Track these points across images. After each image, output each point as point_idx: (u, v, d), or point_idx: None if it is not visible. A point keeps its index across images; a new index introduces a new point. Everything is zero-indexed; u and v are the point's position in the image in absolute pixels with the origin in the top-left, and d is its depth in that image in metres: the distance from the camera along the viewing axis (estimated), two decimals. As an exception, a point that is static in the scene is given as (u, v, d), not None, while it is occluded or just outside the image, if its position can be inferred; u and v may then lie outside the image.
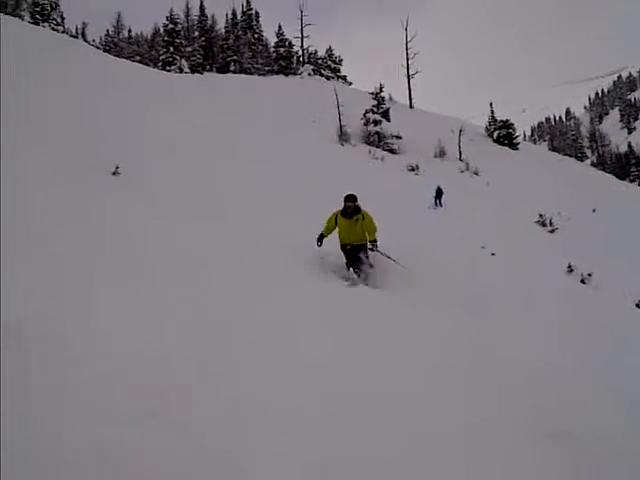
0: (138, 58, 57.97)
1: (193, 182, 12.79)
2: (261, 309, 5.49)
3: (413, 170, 34.66)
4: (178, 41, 57.46)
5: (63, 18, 55.37)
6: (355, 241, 10.11)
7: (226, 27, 69.08)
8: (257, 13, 67.64)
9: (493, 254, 17.33)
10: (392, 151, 39.98)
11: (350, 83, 66.11)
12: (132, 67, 37.47)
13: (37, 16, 51.54)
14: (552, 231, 25.73)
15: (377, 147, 39.58)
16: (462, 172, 37.66)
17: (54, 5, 53.63)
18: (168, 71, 50.72)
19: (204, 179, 13.73)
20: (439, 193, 27.09)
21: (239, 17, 67.64)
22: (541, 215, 26.64)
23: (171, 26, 58.02)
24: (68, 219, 6.26)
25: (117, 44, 66.80)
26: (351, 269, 10.11)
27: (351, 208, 9.93)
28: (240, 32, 64.33)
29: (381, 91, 45.24)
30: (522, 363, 5.73)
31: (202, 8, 68.40)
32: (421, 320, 6.97)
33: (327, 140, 35.58)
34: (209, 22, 69.43)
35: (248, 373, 3.89)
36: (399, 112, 47.41)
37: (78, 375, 3.08)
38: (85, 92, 17.94)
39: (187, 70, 55.26)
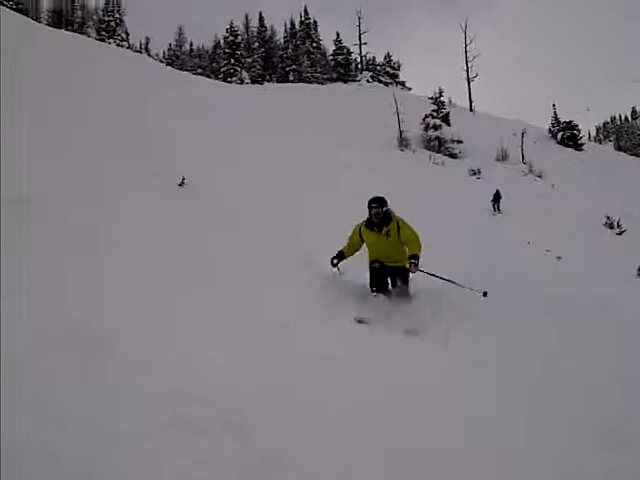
0: (200, 70, 59.22)
1: (254, 191, 13.07)
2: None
3: (475, 174, 34.29)
4: (239, 52, 58.53)
5: (127, 34, 57.20)
6: (391, 261, 7.24)
7: (285, 37, 69.85)
8: (315, 22, 68.09)
9: (559, 258, 17.02)
10: (453, 155, 39.71)
11: (409, 88, 65.89)
12: (195, 79, 38.38)
13: (103, 33, 53.43)
14: (620, 233, 25.01)
15: (437, 152, 39.36)
16: (525, 175, 37.01)
17: (119, 22, 55.47)
18: (229, 82, 51.68)
19: (263, 186, 13.98)
20: (497, 197, 26.58)
21: (297, 27, 68.22)
22: (608, 217, 25.95)
23: (231, 38, 59.18)
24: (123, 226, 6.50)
25: (179, 57, 68.33)
26: (374, 293, 7.20)
27: (379, 216, 7.15)
28: (299, 41, 64.87)
29: (441, 95, 45.06)
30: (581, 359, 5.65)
31: (261, 19, 69.55)
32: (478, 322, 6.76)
33: (386, 146, 35.59)
34: (268, 33, 70.42)
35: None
36: (459, 116, 47.02)
37: (136, 380, 3.20)
38: (155, 106, 18.53)
39: (248, 81, 56.18)
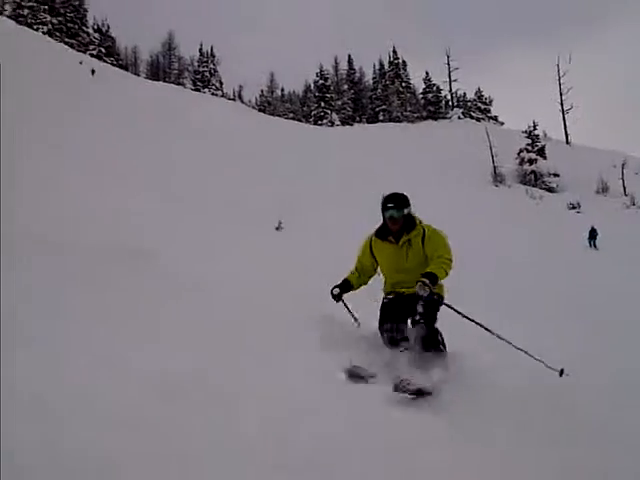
0: (291, 115, 60.72)
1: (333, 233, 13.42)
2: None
3: (574, 208, 33.25)
4: (329, 95, 59.64)
5: (221, 83, 59.59)
6: (411, 287, 4.38)
7: (374, 78, 70.77)
8: (404, 62, 68.56)
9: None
10: (550, 190, 38.70)
11: (502, 123, 64.95)
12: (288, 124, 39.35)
13: (198, 83, 56.00)
14: None
15: (534, 186, 38.48)
16: (628, 208, 35.46)
17: (213, 72, 58.00)
18: (320, 125, 52.69)
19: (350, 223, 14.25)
20: (593, 234, 25.55)
21: (386, 67, 68.88)
22: None
23: (321, 82, 60.44)
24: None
25: (271, 103, 70.26)
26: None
27: (396, 222, 4.63)
28: (388, 82, 65.40)
29: (535, 128, 44.06)
30: None
31: (350, 62, 70.86)
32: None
33: (480, 181, 35.12)
34: (357, 75, 71.64)
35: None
36: (555, 149, 45.82)
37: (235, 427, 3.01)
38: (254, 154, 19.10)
39: (338, 123, 56.98)
